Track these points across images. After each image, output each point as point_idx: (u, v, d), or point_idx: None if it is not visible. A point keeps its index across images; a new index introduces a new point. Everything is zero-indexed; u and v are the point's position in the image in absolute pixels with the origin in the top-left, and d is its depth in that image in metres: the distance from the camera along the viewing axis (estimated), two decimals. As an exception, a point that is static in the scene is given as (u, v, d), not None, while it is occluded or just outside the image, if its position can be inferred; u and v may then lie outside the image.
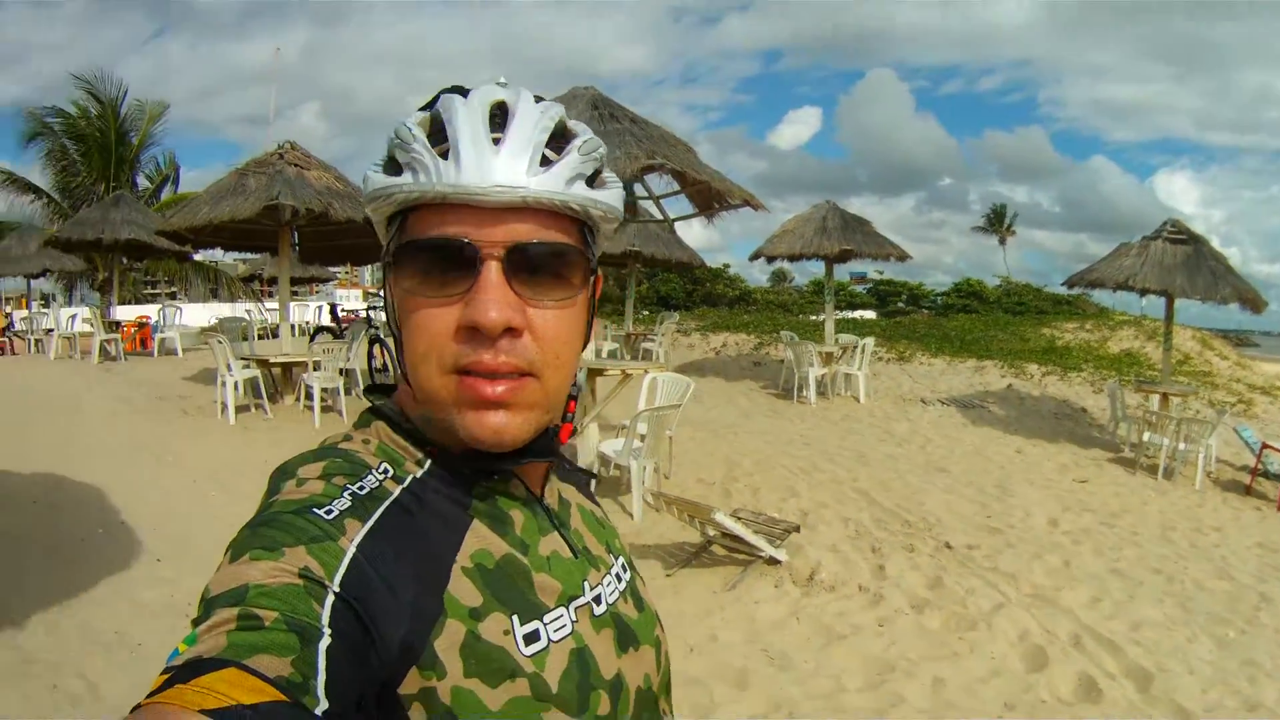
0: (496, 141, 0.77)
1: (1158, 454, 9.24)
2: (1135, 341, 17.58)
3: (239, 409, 10.24)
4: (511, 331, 0.75)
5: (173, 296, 36.75)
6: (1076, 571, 5.86)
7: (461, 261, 0.75)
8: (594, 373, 8.04)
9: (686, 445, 8.68)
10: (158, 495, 7.15)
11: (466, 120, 0.77)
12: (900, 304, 41.55)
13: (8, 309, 27.77)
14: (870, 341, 13.17)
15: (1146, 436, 9.52)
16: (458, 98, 0.80)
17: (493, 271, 0.75)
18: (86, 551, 5.92)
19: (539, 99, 0.82)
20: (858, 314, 32.65)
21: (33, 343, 18.40)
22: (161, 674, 0.56)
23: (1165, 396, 10.40)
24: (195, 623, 0.61)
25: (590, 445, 7.62)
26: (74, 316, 17.60)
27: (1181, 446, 8.97)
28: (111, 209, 16.57)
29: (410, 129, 0.78)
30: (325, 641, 0.60)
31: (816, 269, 15.04)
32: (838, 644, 4.64)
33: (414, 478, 0.78)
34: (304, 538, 0.66)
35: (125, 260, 19.26)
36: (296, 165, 10.90)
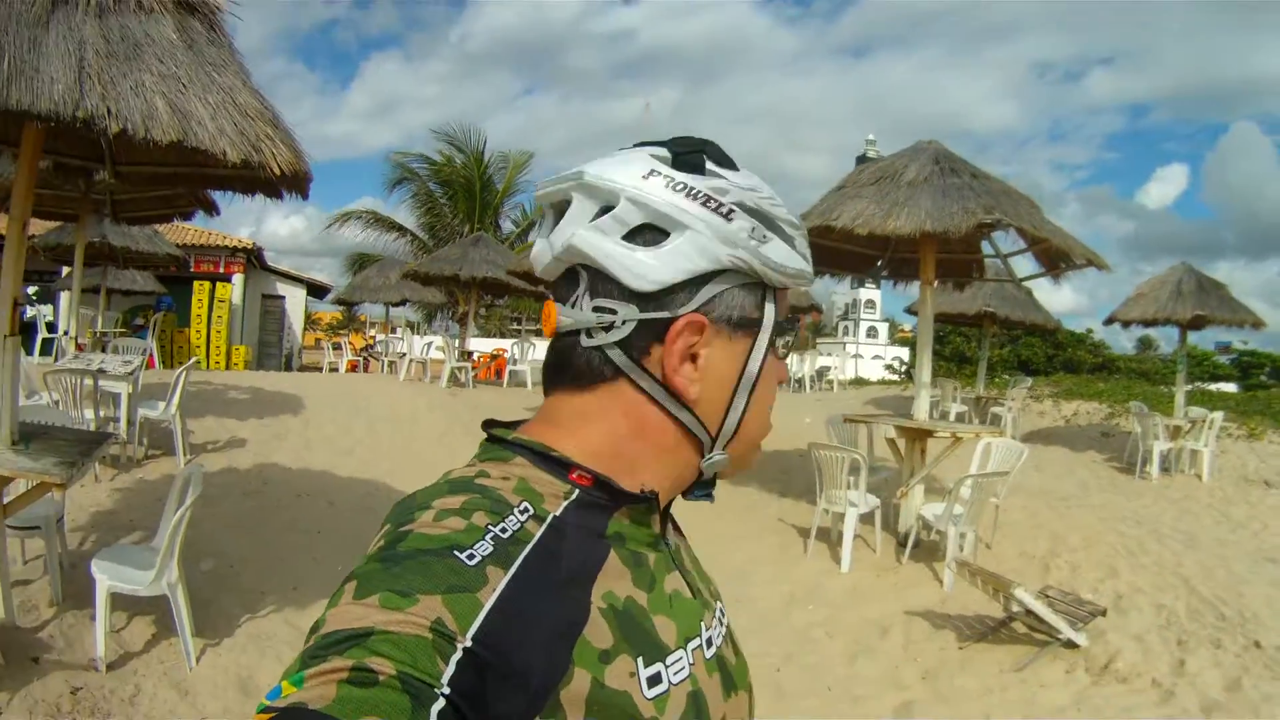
0: None
1: None
2: None
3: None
4: None
5: (538, 334, 39.53)
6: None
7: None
8: (925, 434, 8.17)
9: (1016, 515, 8.71)
10: (465, 513, 7.94)
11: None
12: (1263, 377, 38.19)
13: (372, 332, 30.92)
14: (1219, 416, 12.43)
15: None
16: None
17: None
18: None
19: None
20: (1217, 386, 30.26)
21: (386, 364, 20.06)
22: (261, 712, 0.56)
23: None
24: (305, 657, 0.60)
25: (913, 508, 7.85)
26: (429, 344, 19.22)
27: None
28: (471, 248, 17.92)
29: (798, 224, 0.89)
30: (439, 704, 0.58)
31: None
32: (1111, 741, 4.71)
33: (554, 516, 0.77)
34: (441, 586, 0.65)
35: (485, 295, 20.57)
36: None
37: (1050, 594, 6.21)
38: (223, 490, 7.38)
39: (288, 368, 23.85)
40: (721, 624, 0.92)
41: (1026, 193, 8.69)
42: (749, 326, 0.85)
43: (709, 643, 0.86)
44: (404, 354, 18.22)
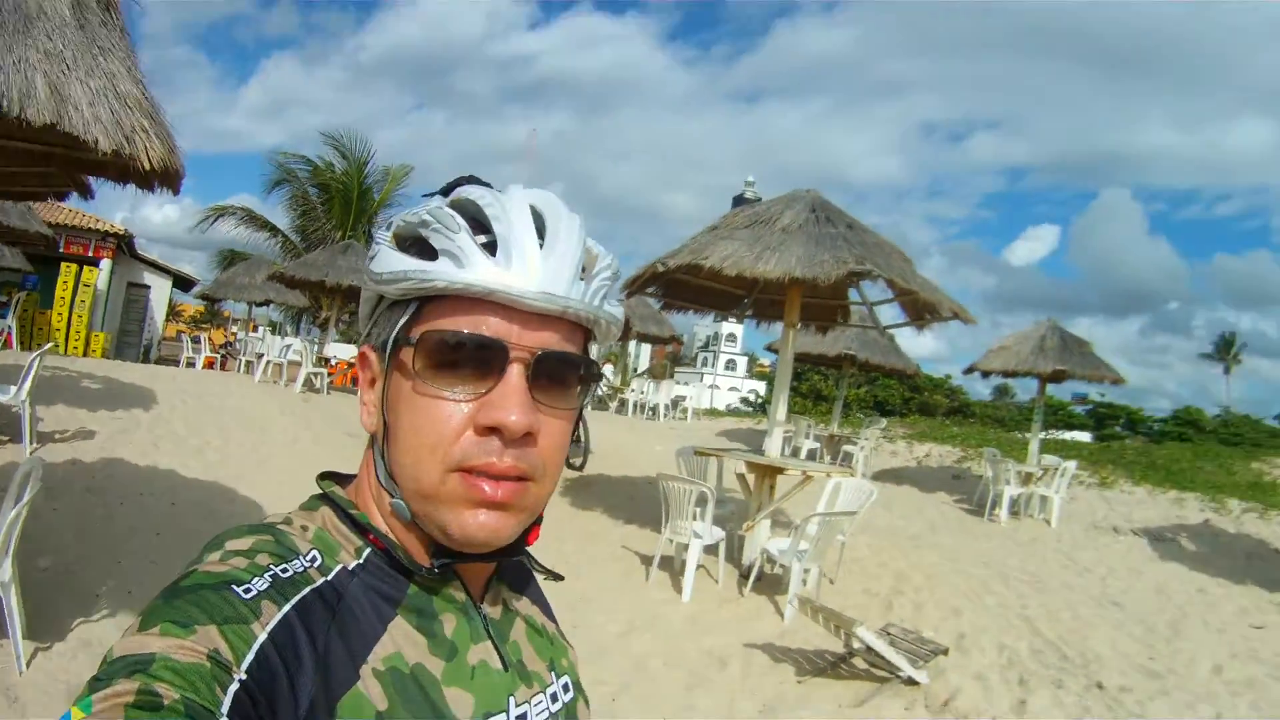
0: (540, 246, 0.76)
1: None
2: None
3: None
4: (528, 436, 0.74)
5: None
6: (1225, 727, 5.47)
7: (488, 361, 0.74)
8: (775, 471, 8.06)
9: (862, 552, 8.64)
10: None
11: (518, 219, 0.76)
12: (1117, 428, 40.58)
13: (234, 329, 30.18)
14: (1072, 465, 12.76)
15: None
16: (507, 195, 0.79)
17: (516, 375, 0.74)
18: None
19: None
20: (1072, 435, 31.75)
21: (243, 364, 19.66)
22: None
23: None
24: (91, 682, 0.59)
25: (758, 541, 7.74)
26: (287, 346, 18.44)
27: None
28: (339, 255, 17.75)
29: (454, 216, 0.76)
30: None
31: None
32: (951, 777, 4.57)
33: (343, 568, 0.76)
34: (218, 617, 0.64)
35: (350, 303, 20.01)
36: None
37: (892, 631, 6.09)
38: (65, 483, 6.88)
39: (146, 359, 22.92)
40: (557, 701, 0.89)
41: (895, 243, 8.78)
42: (383, 349, 0.80)
43: (522, 718, 0.83)
44: (261, 354, 17.62)
